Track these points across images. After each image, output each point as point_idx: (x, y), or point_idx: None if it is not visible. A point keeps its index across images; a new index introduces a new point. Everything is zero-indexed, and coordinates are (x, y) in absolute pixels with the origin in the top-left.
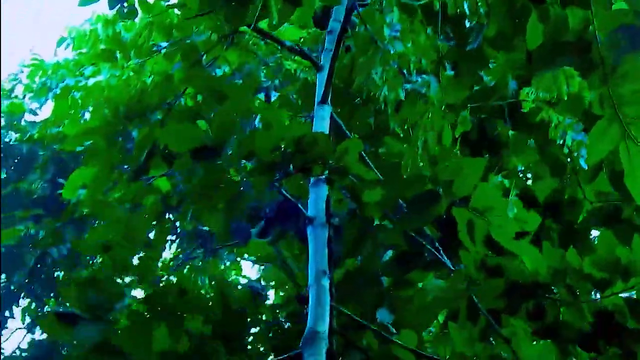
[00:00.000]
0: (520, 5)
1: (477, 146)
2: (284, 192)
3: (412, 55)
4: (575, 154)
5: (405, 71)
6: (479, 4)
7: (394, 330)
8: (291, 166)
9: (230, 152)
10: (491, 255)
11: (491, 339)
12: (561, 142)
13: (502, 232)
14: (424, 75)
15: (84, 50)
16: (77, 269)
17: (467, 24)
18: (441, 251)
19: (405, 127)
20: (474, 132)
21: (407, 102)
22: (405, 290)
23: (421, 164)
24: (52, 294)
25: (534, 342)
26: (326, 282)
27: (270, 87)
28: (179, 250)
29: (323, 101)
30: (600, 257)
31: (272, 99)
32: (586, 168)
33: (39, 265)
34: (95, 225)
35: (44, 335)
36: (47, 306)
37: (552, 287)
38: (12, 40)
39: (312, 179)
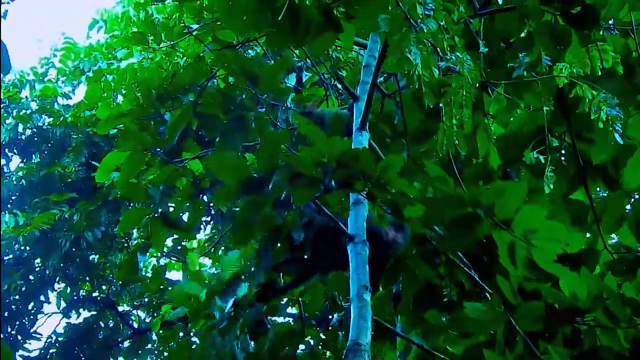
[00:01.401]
0: (561, 30)
1: None
2: (324, 208)
3: (445, 34)
4: (610, 129)
5: (439, 49)
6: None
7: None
8: (333, 182)
9: (274, 184)
10: (529, 279)
11: None
12: (596, 116)
13: (544, 255)
14: (457, 53)
15: (116, 33)
16: (112, 252)
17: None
18: (477, 278)
19: (441, 105)
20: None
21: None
22: (419, 326)
23: (456, 141)
24: (87, 278)
25: None
26: (368, 297)
27: (302, 67)
28: (213, 231)
29: (361, 127)
30: None
31: (304, 79)
32: (622, 143)
33: (73, 249)
34: (130, 207)
35: (80, 319)
36: (82, 290)
37: (590, 313)
38: (44, 24)
39: (352, 198)
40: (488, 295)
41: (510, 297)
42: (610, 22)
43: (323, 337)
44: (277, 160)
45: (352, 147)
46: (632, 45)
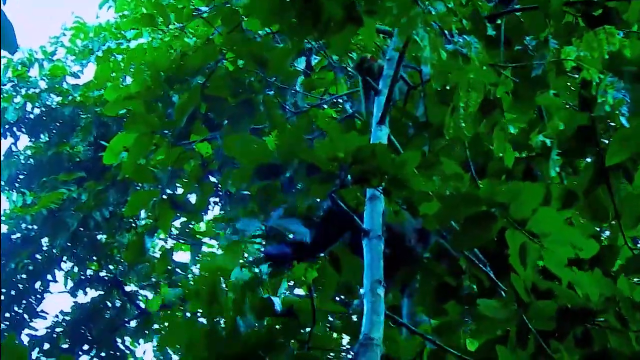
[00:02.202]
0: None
1: None
2: (340, 203)
3: (453, 16)
4: (617, 112)
5: (446, 32)
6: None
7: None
8: (349, 177)
9: (291, 174)
10: (541, 279)
11: None
12: (602, 100)
13: (554, 258)
14: (465, 36)
15: (126, 13)
16: (119, 232)
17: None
18: (492, 274)
19: (448, 87)
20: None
21: (449, 62)
22: (439, 317)
23: (463, 124)
24: (94, 258)
25: None
26: (381, 291)
27: (311, 50)
28: (222, 212)
29: (381, 122)
30: None
31: (313, 63)
32: (628, 126)
33: (81, 229)
34: (138, 188)
35: (87, 299)
36: (89, 270)
37: (601, 314)
38: (54, 3)
39: (368, 193)
40: (503, 293)
41: (523, 296)
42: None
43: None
44: (297, 150)
45: (370, 142)
46: None
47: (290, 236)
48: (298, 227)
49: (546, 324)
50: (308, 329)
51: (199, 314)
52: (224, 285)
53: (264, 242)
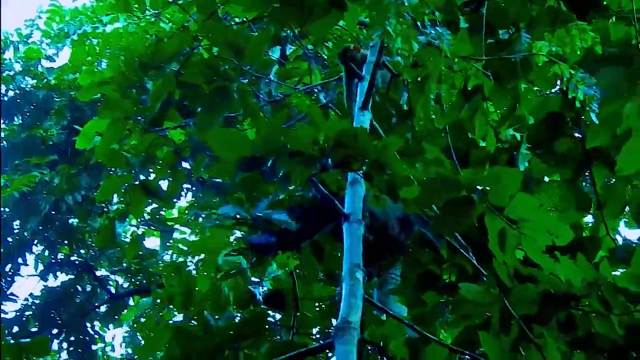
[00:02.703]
0: (564, 17)
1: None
2: (321, 187)
3: (426, 8)
4: (587, 109)
5: (419, 23)
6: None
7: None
8: (330, 161)
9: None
10: (523, 265)
11: (521, 350)
12: (573, 95)
13: (533, 245)
14: (437, 28)
15: None
16: (91, 216)
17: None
18: (474, 260)
19: (419, 79)
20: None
21: (420, 54)
22: (417, 309)
23: (433, 116)
24: (65, 241)
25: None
26: (360, 275)
27: (287, 39)
28: (194, 199)
29: (364, 107)
30: (634, 272)
31: (288, 53)
32: (597, 122)
33: (53, 212)
34: (111, 173)
35: (57, 283)
36: (60, 253)
37: (584, 299)
38: None
39: (350, 177)
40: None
41: (506, 281)
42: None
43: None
44: (277, 143)
45: (352, 127)
46: (634, 33)
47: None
48: (283, 216)
49: (528, 307)
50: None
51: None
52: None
53: (247, 231)
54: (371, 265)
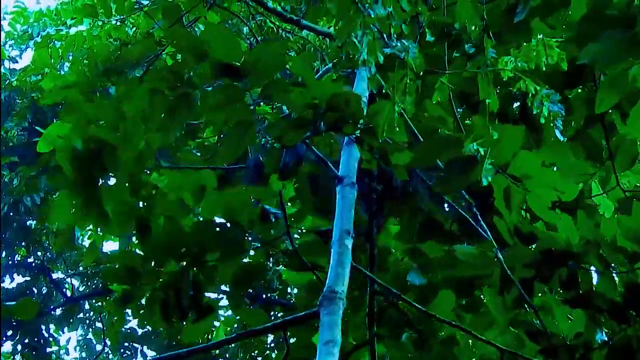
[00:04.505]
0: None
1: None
2: (314, 149)
3: (393, 20)
4: (552, 125)
5: (385, 35)
6: None
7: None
8: (322, 124)
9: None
10: (525, 222)
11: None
12: (538, 111)
13: (538, 201)
14: (403, 40)
15: (66, 0)
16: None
17: None
18: (479, 215)
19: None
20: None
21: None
22: (416, 260)
23: (397, 129)
24: (23, 243)
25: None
26: (349, 243)
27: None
28: None
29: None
30: (633, 230)
31: None
32: (563, 140)
33: (11, 213)
34: None
35: (13, 284)
36: (17, 255)
37: (583, 257)
38: None
39: (345, 139)
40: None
41: (506, 238)
42: None
43: None
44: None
45: (344, 90)
46: None
47: None
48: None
49: (526, 270)
50: None
51: None
52: None
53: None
54: (380, 216)
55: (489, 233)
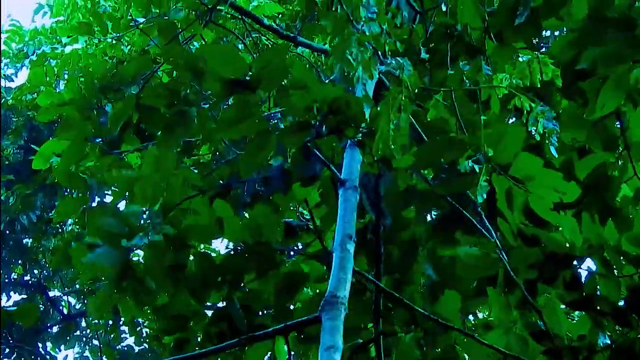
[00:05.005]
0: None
1: None
2: (317, 152)
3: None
4: (547, 142)
5: (380, 53)
6: None
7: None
8: (324, 127)
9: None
10: (529, 224)
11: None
12: (534, 128)
13: (540, 202)
14: (398, 58)
15: (61, 18)
16: (45, 236)
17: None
18: (483, 215)
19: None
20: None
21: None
22: (447, 249)
23: (392, 146)
24: (19, 261)
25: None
26: (351, 247)
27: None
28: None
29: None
30: (636, 235)
31: None
32: (557, 156)
33: (7, 232)
34: (66, 193)
35: (9, 302)
36: (14, 273)
37: (585, 259)
38: None
39: (348, 142)
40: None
41: (510, 239)
42: None
43: None
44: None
45: (345, 93)
46: None
47: None
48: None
49: (530, 272)
50: None
51: None
52: None
53: None
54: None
55: (493, 234)
